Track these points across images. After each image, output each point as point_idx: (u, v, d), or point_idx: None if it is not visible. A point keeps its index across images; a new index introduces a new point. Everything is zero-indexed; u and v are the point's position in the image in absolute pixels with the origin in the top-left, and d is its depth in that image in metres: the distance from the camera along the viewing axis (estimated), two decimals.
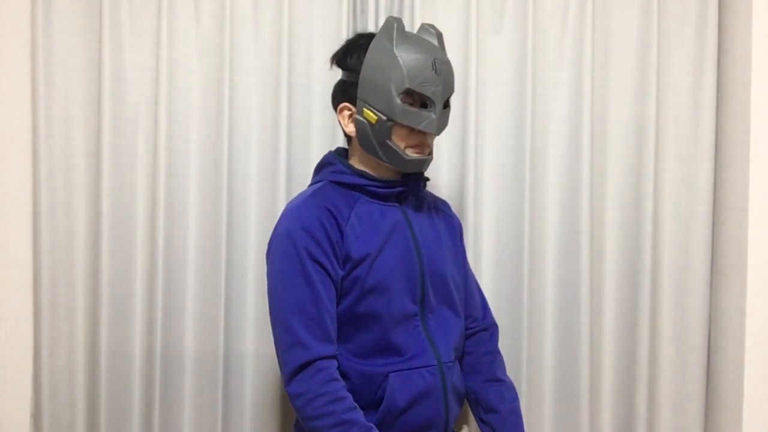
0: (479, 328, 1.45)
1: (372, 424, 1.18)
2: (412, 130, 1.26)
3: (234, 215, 1.68)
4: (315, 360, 1.16)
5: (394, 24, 1.23)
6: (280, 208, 1.64)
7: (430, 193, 1.49)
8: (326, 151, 1.49)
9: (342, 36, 1.67)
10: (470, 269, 1.51)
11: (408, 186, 1.33)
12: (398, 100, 1.22)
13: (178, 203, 1.67)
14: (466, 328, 1.42)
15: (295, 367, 1.16)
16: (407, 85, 1.21)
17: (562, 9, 1.72)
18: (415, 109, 1.23)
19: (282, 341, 1.19)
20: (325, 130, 1.71)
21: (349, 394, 1.18)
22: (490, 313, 1.49)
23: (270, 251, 1.25)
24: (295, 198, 1.31)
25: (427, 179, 1.39)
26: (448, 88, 1.27)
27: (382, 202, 1.31)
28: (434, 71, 1.23)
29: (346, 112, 1.30)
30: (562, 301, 1.72)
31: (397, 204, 1.33)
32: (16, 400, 1.68)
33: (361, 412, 1.18)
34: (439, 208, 1.45)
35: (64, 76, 1.65)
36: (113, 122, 1.64)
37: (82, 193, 1.68)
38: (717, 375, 1.73)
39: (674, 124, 1.74)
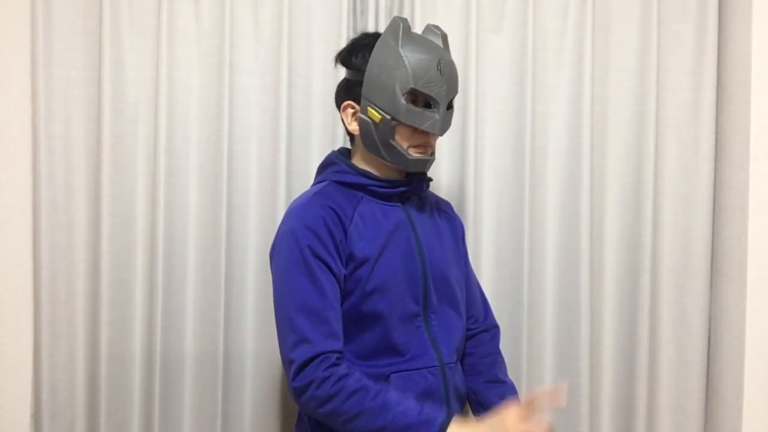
0: (480, 329, 1.45)
1: (383, 384, 1.17)
2: (415, 130, 1.26)
3: (234, 215, 1.68)
4: (320, 354, 1.15)
5: (400, 24, 1.23)
6: (280, 208, 1.64)
7: (433, 193, 1.48)
8: (326, 151, 1.49)
9: (342, 36, 1.67)
10: (472, 270, 1.51)
11: (411, 186, 1.33)
12: (402, 100, 1.22)
13: (178, 203, 1.67)
14: (467, 329, 1.42)
15: (300, 363, 1.15)
16: (412, 85, 1.21)
17: (562, 9, 1.72)
18: (419, 109, 1.23)
19: (287, 339, 1.18)
20: (325, 130, 1.71)
21: (354, 371, 1.16)
22: (492, 314, 1.49)
23: (274, 251, 1.25)
24: (299, 197, 1.31)
25: (430, 179, 1.39)
26: (452, 89, 1.27)
27: (384, 202, 1.31)
28: (439, 72, 1.23)
29: (350, 111, 1.30)
30: (562, 301, 1.73)
31: (399, 204, 1.33)
32: (16, 400, 1.68)
33: (370, 381, 1.16)
34: (441, 209, 1.45)
35: (64, 76, 1.65)
36: (113, 122, 1.64)
37: (82, 193, 1.67)
38: (717, 375, 1.73)
39: (674, 124, 1.74)
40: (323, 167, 1.36)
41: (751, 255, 1.63)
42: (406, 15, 1.69)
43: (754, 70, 1.63)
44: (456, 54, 1.65)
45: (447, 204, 1.50)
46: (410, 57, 1.21)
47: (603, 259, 1.76)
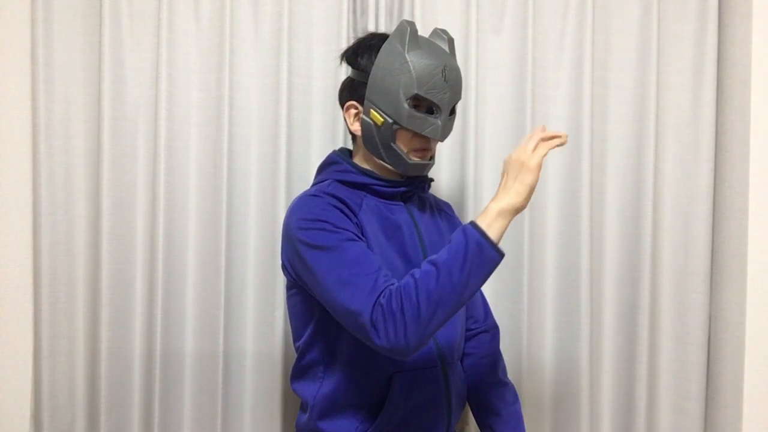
0: (480, 329, 1.45)
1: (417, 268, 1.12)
2: (416, 135, 1.26)
3: (234, 215, 1.68)
4: (378, 295, 1.09)
5: (407, 28, 1.23)
6: (280, 208, 1.64)
7: (432, 194, 1.49)
8: (327, 151, 1.48)
9: (342, 36, 1.67)
10: None
11: (412, 186, 1.33)
12: (405, 105, 1.22)
13: (178, 203, 1.67)
14: (467, 329, 1.43)
15: (370, 310, 1.08)
16: (416, 91, 1.21)
17: (562, 9, 1.72)
18: (421, 115, 1.23)
19: (344, 299, 1.10)
20: (325, 130, 1.71)
21: (403, 279, 1.10)
22: (492, 315, 1.49)
23: (294, 244, 1.18)
24: (300, 195, 1.26)
25: (432, 180, 1.39)
26: (456, 95, 1.27)
27: (387, 201, 1.31)
28: (443, 78, 1.23)
29: (353, 111, 1.30)
30: (562, 301, 1.73)
31: (401, 203, 1.33)
32: (16, 400, 1.68)
33: (413, 272, 1.10)
34: (441, 209, 1.45)
35: (64, 76, 1.65)
36: (113, 122, 1.64)
37: (82, 193, 1.68)
38: (717, 375, 1.73)
39: (674, 124, 1.74)
40: (324, 166, 1.35)
41: (751, 255, 1.63)
42: (406, 15, 1.69)
43: (754, 70, 1.63)
44: (456, 54, 1.65)
45: (447, 204, 1.50)
46: (416, 62, 1.21)
47: (603, 259, 1.76)
